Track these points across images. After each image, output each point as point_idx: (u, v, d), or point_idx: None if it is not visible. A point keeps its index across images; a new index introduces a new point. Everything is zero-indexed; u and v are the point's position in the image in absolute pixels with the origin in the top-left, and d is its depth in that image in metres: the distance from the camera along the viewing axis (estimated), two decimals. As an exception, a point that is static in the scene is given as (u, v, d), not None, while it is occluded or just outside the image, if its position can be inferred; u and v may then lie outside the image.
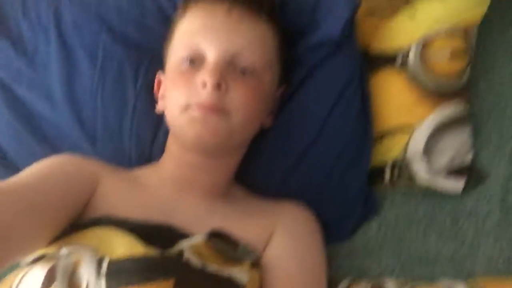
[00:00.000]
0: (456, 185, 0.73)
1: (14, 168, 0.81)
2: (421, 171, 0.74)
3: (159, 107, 0.73)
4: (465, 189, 0.73)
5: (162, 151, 0.75)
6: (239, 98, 0.63)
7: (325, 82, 0.72)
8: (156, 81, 0.74)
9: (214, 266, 0.55)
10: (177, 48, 0.67)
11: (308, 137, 0.73)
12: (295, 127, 0.73)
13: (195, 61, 0.64)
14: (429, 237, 0.71)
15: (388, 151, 0.75)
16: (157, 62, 0.75)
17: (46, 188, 0.59)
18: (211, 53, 0.63)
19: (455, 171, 0.73)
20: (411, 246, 0.71)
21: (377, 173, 0.76)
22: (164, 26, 0.77)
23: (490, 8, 0.74)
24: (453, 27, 0.73)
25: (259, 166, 0.74)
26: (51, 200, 0.58)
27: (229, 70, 0.63)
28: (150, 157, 0.77)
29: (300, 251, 0.66)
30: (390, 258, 0.71)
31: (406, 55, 0.73)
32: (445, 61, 0.73)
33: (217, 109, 0.62)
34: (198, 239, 0.58)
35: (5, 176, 0.63)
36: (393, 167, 0.75)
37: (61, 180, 0.62)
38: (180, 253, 0.54)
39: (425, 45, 0.73)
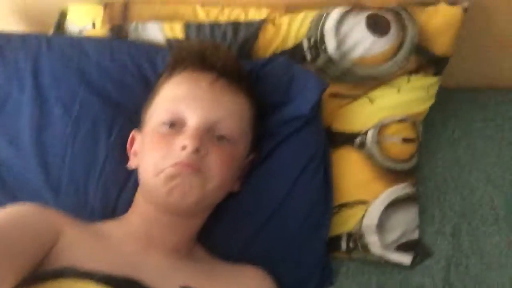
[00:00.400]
0: (404, 259, 0.79)
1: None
2: (374, 243, 0.79)
3: (131, 163, 0.75)
4: (413, 263, 0.79)
5: (126, 207, 0.76)
6: (215, 163, 0.66)
7: (292, 154, 0.77)
8: (130, 138, 0.76)
9: None
10: (159, 112, 0.70)
11: (272, 205, 0.76)
12: (261, 194, 0.76)
13: (175, 125, 0.67)
14: (380, 308, 0.75)
15: (345, 223, 0.80)
16: (132, 120, 0.78)
17: (6, 236, 0.57)
18: (193, 120, 0.67)
19: (404, 246, 0.79)
20: (362, 316, 0.74)
21: (334, 242, 0.81)
22: (143, 86, 0.81)
23: (434, 105, 0.85)
24: (405, 117, 0.83)
25: (222, 229, 0.76)
26: (10, 249, 0.56)
27: (208, 136, 0.67)
28: (113, 212, 0.77)
29: None
30: (343, 327, 0.74)
31: (364, 137, 0.81)
32: (398, 145, 0.82)
33: (194, 167, 0.64)
34: None
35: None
36: (348, 238, 0.80)
37: (22, 229, 0.60)
38: None
39: (381, 130, 0.82)
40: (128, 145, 0.76)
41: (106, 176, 0.78)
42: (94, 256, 0.64)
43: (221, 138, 0.68)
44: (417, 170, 0.85)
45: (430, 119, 0.88)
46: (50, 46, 0.84)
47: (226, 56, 0.73)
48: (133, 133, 0.76)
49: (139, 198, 0.73)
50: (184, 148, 0.64)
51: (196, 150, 0.64)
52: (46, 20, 0.94)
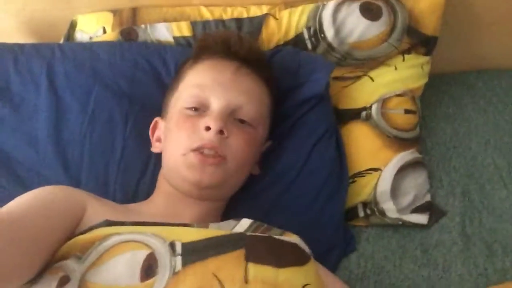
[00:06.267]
0: (421, 219, 0.82)
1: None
2: (390, 209, 0.82)
3: (155, 148, 0.77)
4: (429, 222, 0.82)
5: (145, 193, 0.78)
6: (237, 144, 0.70)
7: (307, 131, 0.82)
8: (152, 124, 0.79)
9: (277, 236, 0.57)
10: (184, 97, 0.72)
11: (289, 179, 0.80)
12: (278, 171, 0.80)
13: (199, 109, 0.71)
14: (405, 266, 0.77)
15: (360, 192, 0.83)
16: (146, 111, 0.82)
17: (27, 219, 0.57)
18: (217, 104, 0.70)
19: (418, 209, 0.83)
20: (389, 275, 0.76)
21: (352, 212, 0.83)
22: (154, 80, 0.85)
23: (428, 87, 0.92)
24: (403, 92, 0.89)
25: (241, 206, 0.78)
26: (37, 233, 0.56)
27: (230, 120, 0.71)
28: (133, 200, 0.78)
29: None
30: (371, 288, 0.75)
31: (369, 110, 0.86)
32: (401, 116, 0.87)
33: (215, 156, 0.67)
34: (247, 220, 0.61)
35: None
36: (365, 206, 0.83)
37: (49, 208, 0.61)
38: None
39: (383, 103, 0.87)
40: (150, 131, 0.79)
41: (125, 165, 0.80)
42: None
43: (242, 121, 0.72)
44: (420, 142, 0.90)
45: (425, 100, 0.94)
46: (62, 52, 0.88)
47: (249, 45, 0.77)
48: (156, 119, 0.79)
49: (162, 180, 0.75)
50: (208, 129, 0.68)
51: (220, 131, 0.68)
52: (55, 34, 0.99)
